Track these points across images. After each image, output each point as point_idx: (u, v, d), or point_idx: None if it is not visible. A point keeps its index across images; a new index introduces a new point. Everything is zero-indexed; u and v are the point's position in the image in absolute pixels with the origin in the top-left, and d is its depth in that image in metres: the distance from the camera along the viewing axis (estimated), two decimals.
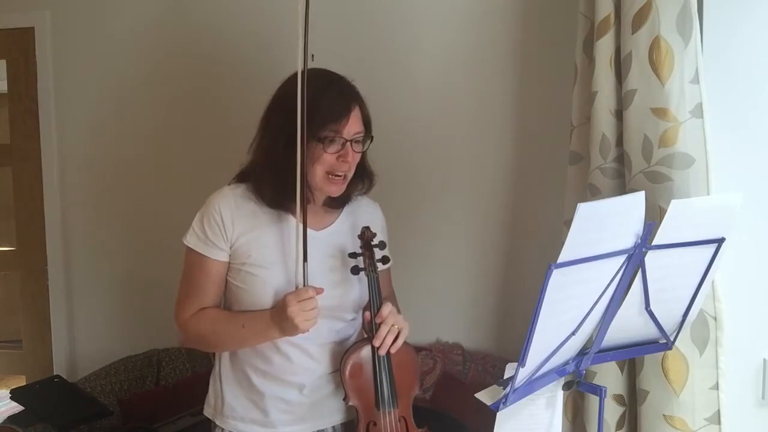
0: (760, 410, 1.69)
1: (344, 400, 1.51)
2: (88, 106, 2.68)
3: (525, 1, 2.19)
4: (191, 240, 1.50)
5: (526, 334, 1.03)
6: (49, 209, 2.76)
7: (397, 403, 1.50)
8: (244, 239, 1.48)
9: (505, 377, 1.18)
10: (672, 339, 1.37)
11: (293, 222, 1.49)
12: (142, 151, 2.60)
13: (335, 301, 1.51)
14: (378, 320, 1.46)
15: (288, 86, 1.48)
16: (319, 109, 1.43)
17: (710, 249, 1.25)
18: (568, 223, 1.05)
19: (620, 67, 1.64)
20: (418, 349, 2.24)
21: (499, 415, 1.14)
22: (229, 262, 1.50)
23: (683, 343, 1.56)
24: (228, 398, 1.56)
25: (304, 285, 1.42)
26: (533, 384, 1.15)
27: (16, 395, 2.16)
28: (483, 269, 2.31)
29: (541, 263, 1.05)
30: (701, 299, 1.34)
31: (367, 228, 1.54)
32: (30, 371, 2.88)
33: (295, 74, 1.42)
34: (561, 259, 1.02)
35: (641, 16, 1.56)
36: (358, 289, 1.55)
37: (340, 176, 1.47)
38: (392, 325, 1.46)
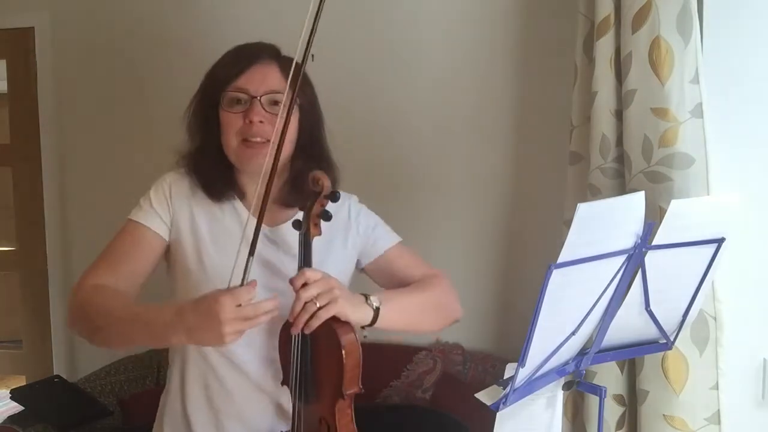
0: (760, 410, 1.69)
1: (282, 383, 1.30)
2: (88, 106, 2.68)
3: (525, 1, 2.19)
4: (134, 212, 1.33)
5: (526, 334, 1.03)
6: (49, 209, 2.76)
7: (316, 395, 1.22)
8: (185, 226, 1.31)
9: (505, 377, 1.18)
10: (672, 339, 1.37)
11: (243, 213, 1.33)
12: (143, 151, 2.60)
13: (284, 312, 1.21)
14: (293, 290, 1.16)
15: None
16: (221, 67, 1.30)
17: (710, 249, 1.25)
18: (568, 223, 1.05)
19: (620, 67, 1.64)
20: (418, 349, 2.24)
21: (499, 415, 1.14)
22: (166, 243, 1.31)
23: (683, 343, 1.56)
24: None
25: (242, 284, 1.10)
26: (533, 384, 1.15)
27: (16, 395, 2.15)
28: (483, 269, 2.30)
29: (541, 263, 1.04)
30: (701, 299, 1.34)
31: (313, 174, 1.24)
32: (30, 371, 2.88)
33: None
34: (561, 259, 1.02)
35: (641, 16, 1.56)
36: None
37: (256, 141, 1.26)
38: (312, 300, 1.14)
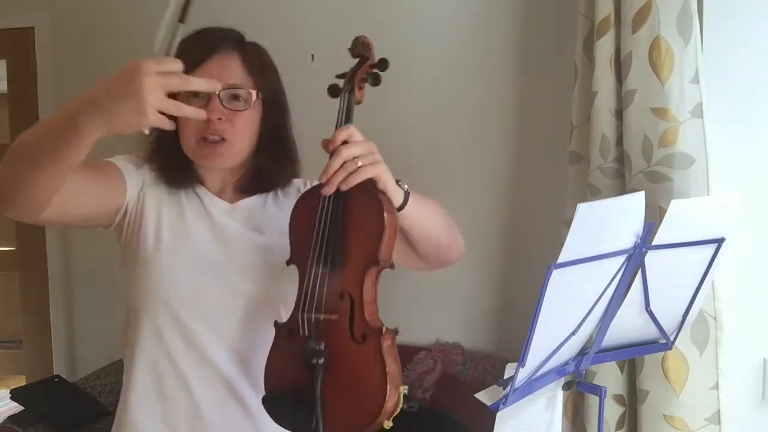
0: (760, 410, 1.69)
1: (288, 262, 1.15)
2: None
3: (525, 1, 2.19)
4: (114, 158, 1.23)
5: (526, 334, 1.03)
6: None
7: (342, 262, 1.08)
8: (148, 197, 1.21)
9: (505, 377, 1.18)
10: (672, 339, 1.37)
11: (204, 196, 1.24)
12: (142, 151, 2.60)
13: (245, 299, 1.19)
14: (329, 147, 1.07)
15: None
16: (177, 56, 1.09)
17: (710, 249, 1.25)
18: (568, 223, 1.05)
19: (620, 67, 1.64)
20: (418, 349, 2.24)
21: (499, 415, 1.14)
22: (123, 208, 1.20)
23: (683, 343, 1.56)
24: None
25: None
26: (533, 384, 1.15)
27: (16, 395, 2.15)
28: (483, 269, 2.30)
29: (541, 263, 1.04)
30: (701, 299, 1.34)
31: (360, 38, 1.16)
32: (30, 371, 2.88)
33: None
34: (561, 259, 1.02)
35: (641, 16, 1.56)
36: (287, 278, 1.18)
37: (214, 140, 1.16)
38: (353, 158, 1.07)
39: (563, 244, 1.01)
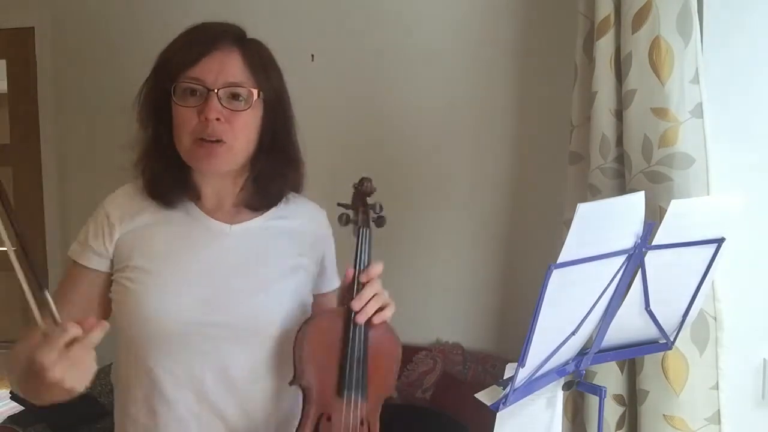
0: (760, 410, 1.69)
1: (292, 383, 1.12)
2: (88, 106, 2.68)
3: (525, 1, 2.19)
4: (72, 249, 1.18)
5: (526, 334, 1.03)
6: (49, 209, 2.76)
7: (366, 394, 1.13)
8: (129, 237, 1.15)
9: (505, 377, 1.18)
10: (672, 339, 1.37)
11: (199, 216, 1.17)
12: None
13: (242, 319, 1.12)
14: (363, 279, 1.10)
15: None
16: (174, 51, 1.12)
17: (710, 249, 1.25)
18: (568, 223, 1.05)
19: (620, 67, 1.64)
20: (418, 349, 2.25)
21: (499, 415, 1.14)
22: (109, 275, 1.15)
23: (683, 343, 1.56)
24: None
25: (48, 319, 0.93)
26: (533, 384, 1.15)
27: (16, 395, 2.15)
28: (483, 269, 2.31)
29: (541, 263, 1.04)
30: (701, 299, 1.33)
31: (368, 179, 1.20)
32: None
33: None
34: (561, 259, 1.02)
35: (641, 16, 1.56)
36: (284, 299, 1.17)
37: (211, 143, 1.10)
38: (381, 293, 1.12)
39: (563, 244, 1.01)
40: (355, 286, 1.12)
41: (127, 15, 2.60)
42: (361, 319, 1.10)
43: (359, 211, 1.18)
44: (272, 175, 1.18)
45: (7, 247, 0.94)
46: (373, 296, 1.10)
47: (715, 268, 1.28)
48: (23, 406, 2.14)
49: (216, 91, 1.09)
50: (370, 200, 1.21)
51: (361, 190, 1.19)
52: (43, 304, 0.94)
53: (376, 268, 1.12)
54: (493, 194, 2.28)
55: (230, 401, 1.13)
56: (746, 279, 1.64)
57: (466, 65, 2.26)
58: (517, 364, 1.06)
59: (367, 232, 1.16)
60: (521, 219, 2.25)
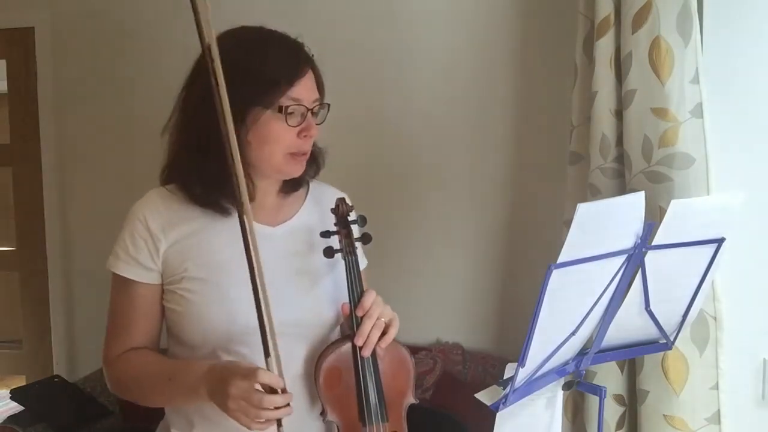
0: (760, 410, 1.69)
1: (321, 415, 1.20)
2: (88, 106, 2.68)
3: (525, 1, 2.19)
4: (113, 263, 1.20)
5: (526, 334, 1.03)
6: (49, 209, 2.76)
7: (387, 415, 1.20)
8: (178, 248, 1.18)
9: (505, 377, 1.18)
10: (672, 339, 1.37)
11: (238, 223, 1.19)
12: (143, 151, 2.60)
13: (303, 314, 1.20)
14: (359, 313, 1.16)
15: (220, 52, 1.08)
16: (265, 68, 1.14)
17: (710, 249, 1.25)
18: (568, 223, 1.05)
19: (620, 67, 1.64)
20: (418, 349, 2.24)
21: (499, 415, 1.14)
22: (161, 285, 1.20)
23: (683, 343, 1.56)
24: None
25: (269, 364, 1.03)
26: (533, 384, 1.15)
27: (16, 395, 2.16)
28: (483, 269, 2.31)
29: (541, 263, 1.04)
30: (701, 299, 1.33)
31: (342, 200, 1.26)
32: (30, 371, 2.88)
33: (226, 33, 1.19)
34: (561, 259, 1.02)
35: (641, 16, 1.56)
36: (332, 295, 1.24)
37: (303, 155, 1.19)
38: (378, 318, 1.16)
39: (563, 244, 1.01)
40: (353, 319, 1.17)
41: (127, 15, 2.59)
42: (366, 353, 1.16)
43: (343, 236, 1.23)
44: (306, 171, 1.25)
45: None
46: (374, 325, 1.16)
47: (715, 268, 1.29)
48: (23, 406, 2.15)
49: (312, 109, 1.18)
50: (351, 217, 1.25)
51: (339, 213, 1.24)
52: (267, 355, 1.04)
53: (368, 299, 1.17)
54: (493, 194, 2.28)
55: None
56: (746, 279, 1.64)
57: (466, 65, 2.26)
58: (517, 364, 1.06)
59: (352, 259, 1.21)
60: (521, 219, 2.25)
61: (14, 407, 2.19)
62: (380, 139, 2.34)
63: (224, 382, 1.04)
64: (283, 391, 1.04)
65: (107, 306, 1.31)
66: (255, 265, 1.04)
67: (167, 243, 1.18)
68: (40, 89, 2.74)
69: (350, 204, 1.26)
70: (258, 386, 1.02)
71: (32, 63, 2.73)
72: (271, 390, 1.03)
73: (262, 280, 1.04)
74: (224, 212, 1.19)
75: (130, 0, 2.59)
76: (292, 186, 1.27)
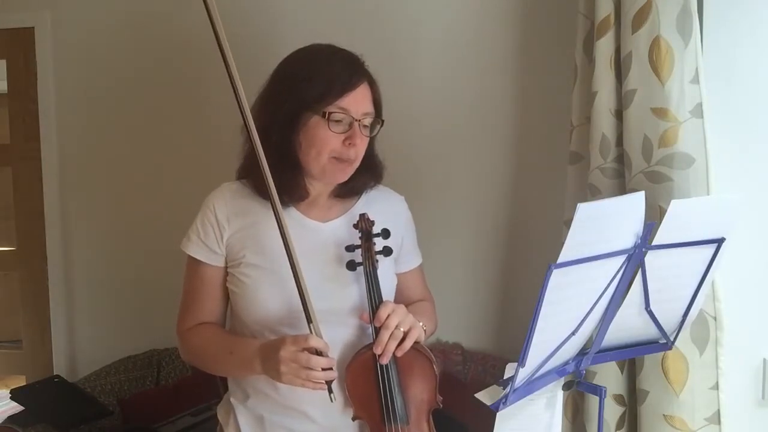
0: (760, 410, 1.69)
1: (353, 418, 1.35)
2: (88, 106, 2.68)
3: (525, 1, 2.19)
4: (186, 244, 1.39)
5: (526, 334, 1.03)
6: (49, 209, 2.76)
7: (408, 417, 1.32)
8: (239, 236, 1.35)
9: (505, 377, 1.19)
10: (672, 339, 1.37)
11: (297, 217, 1.37)
12: (143, 151, 2.60)
13: (337, 303, 1.34)
14: (376, 324, 1.28)
15: (287, 62, 1.36)
16: (320, 78, 1.28)
17: (710, 249, 1.25)
18: (568, 223, 1.05)
19: (620, 67, 1.64)
20: None
21: (499, 415, 1.14)
22: (225, 268, 1.37)
23: (683, 343, 1.56)
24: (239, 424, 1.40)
25: (311, 331, 1.22)
26: (533, 384, 1.15)
27: (16, 395, 2.15)
28: (483, 269, 2.30)
29: (541, 263, 1.05)
30: (701, 299, 1.34)
31: (363, 215, 1.37)
32: (30, 371, 2.88)
33: (296, 51, 1.34)
34: (561, 259, 1.02)
35: (641, 16, 1.56)
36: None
37: (347, 161, 1.32)
38: (397, 328, 1.26)
39: (563, 244, 1.01)
40: (372, 328, 1.29)
41: (127, 15, 2.59)
42: (384, 360, 1.28)
43: (364, 249, 1.34)
44: (360, 171, 1.38)
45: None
46: (391, 334, 1.26)
47: (715, 268, 1.29)
48: (23, 406, 2.14)
49: (359, 120, 1.30)
50: (374, 230, 1.36)
51: (360, 228, 1.36)
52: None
53: (384, 311, 1.27)
54: (493, 194, 2.27)
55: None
56: (746, 279, 1.64)
57: (466, 65, 2.26)
58: (517, 364, 1.06)
59: (371, 270, 1.33)
60: (521, 219, 2.25)
61: (14, 407, 2.19)
62: (379, 138, 2.33)
63: (275, 349, 1.19)
64: (328, 356, 1.20)
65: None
66: (287, 240, 1.22)
67: (231, 231, 1.35)
68: (40, 89, 2.73)
69: (371, 219, 1.37)
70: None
71: (32, 63, 2.73)
72: (317, 353, 1.19)
73: (296, 256, 1.22)
74: (284, 205, 1.31)
75: (130, 0, 2.59)
76: (346, 192, 1.41)
